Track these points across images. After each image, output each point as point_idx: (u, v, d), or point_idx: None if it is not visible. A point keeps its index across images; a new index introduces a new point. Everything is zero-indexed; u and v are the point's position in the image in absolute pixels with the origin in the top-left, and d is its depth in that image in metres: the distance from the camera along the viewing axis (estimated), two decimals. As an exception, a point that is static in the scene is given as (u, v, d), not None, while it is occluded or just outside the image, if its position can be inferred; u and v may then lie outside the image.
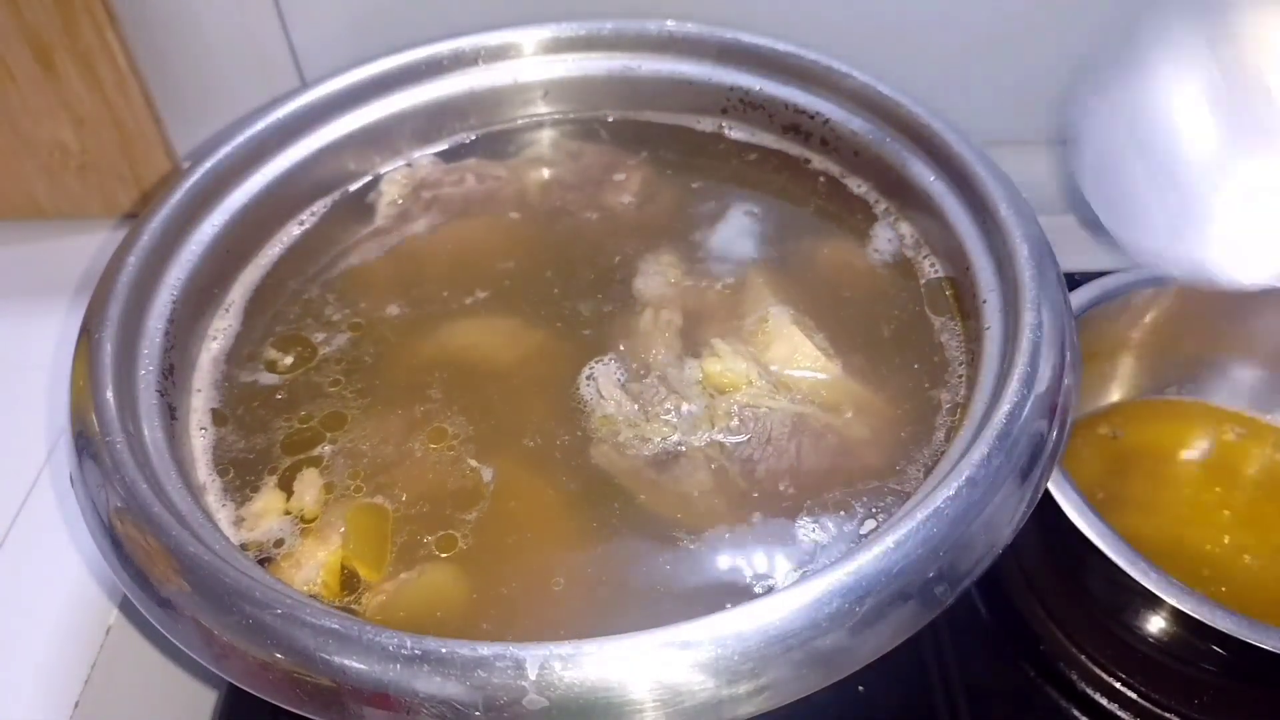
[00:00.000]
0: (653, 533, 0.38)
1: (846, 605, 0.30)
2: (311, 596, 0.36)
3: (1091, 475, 0.54)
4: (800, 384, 0.43)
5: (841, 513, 0.38)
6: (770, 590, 0.31)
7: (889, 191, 0.50)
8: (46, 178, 0.62)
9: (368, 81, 0.52)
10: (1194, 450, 0.56)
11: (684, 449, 0.40)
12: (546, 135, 0.56)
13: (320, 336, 0.46)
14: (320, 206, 0.52)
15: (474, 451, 0.41)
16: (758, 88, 0.53)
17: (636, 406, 0.41)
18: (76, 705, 0.43)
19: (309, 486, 0.40)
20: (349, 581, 0.37)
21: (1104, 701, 0.48)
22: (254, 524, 0.39)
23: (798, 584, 0.31)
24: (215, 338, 0.46)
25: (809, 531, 0.38)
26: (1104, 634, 0.48)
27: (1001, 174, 0.44)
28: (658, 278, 0.47)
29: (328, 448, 0.41)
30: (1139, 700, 0.48)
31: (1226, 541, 0.52)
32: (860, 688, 0.49)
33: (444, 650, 0.29)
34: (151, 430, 0.39)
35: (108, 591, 0.46)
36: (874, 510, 0.38)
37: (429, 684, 0.29)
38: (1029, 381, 0.36)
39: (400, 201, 0.52)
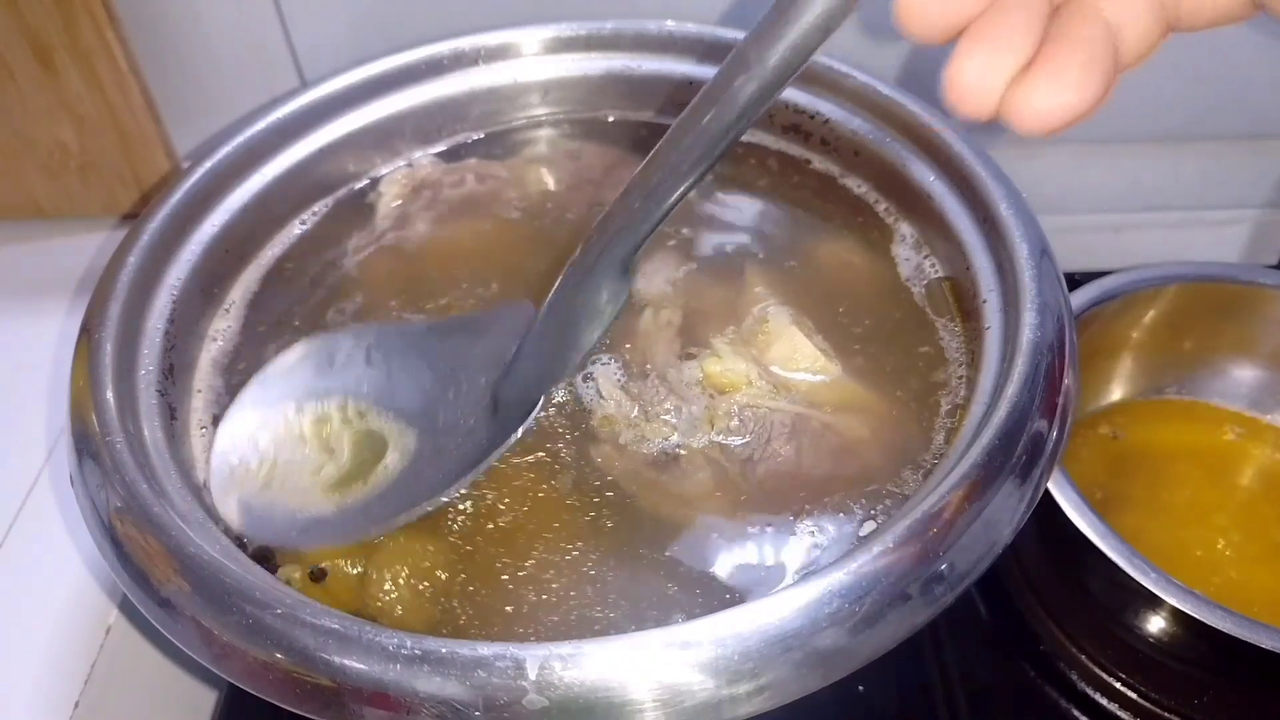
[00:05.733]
0: (652, 533, 0.38)
1: (846, 605, 0.30)
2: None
3: (1091, 475, 0.54)
4: (800, 384, 0.43)
5: (841, 513, 0.38)
6: (770, 590, 0.31)
7: (889, 191, 0.50)
8: (46, 178, 0.62)
9: (368, 81, 0.52)
10: (1193, 450, 0.56)
11: (684, 449, 0.40)
12: (546, 135, 0.56)
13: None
14: (320, 207, 0.52)
15: (474, 451, 0.41)
16: (758, 88, 0.53)
17: (636, 407, 0.41)
18: (76, 705, 0.43)
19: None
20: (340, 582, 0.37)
21: (1104, 701, 0.48)
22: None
23: (798, 584, 0.31)
24: (216, 338, 0.46)
25: (809, 532, 0.38)
26: (1104, 634, 0.48)
27: (1001, 174, 0.44)
28: (657, 277, 0.47)
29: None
30: (1139, 700, 0.48)
31: (1226, 541, 0.52)
32: (860, 688, 0.49)
33: (444, 650, 0.29)
34: (151, 430, 0.39)
35: (108, 591, 0.46)
36: (874, 510, 0.38)
37: (429, 684, 0.29)
38: (1029, 381, 0.36)
39: (400, 202, 0.52)
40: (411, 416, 0.41)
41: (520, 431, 0.40)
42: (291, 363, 0.42)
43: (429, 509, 0.38)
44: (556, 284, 0.37)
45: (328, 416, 0.40)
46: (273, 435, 0.40)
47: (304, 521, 0.38)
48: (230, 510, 0.38)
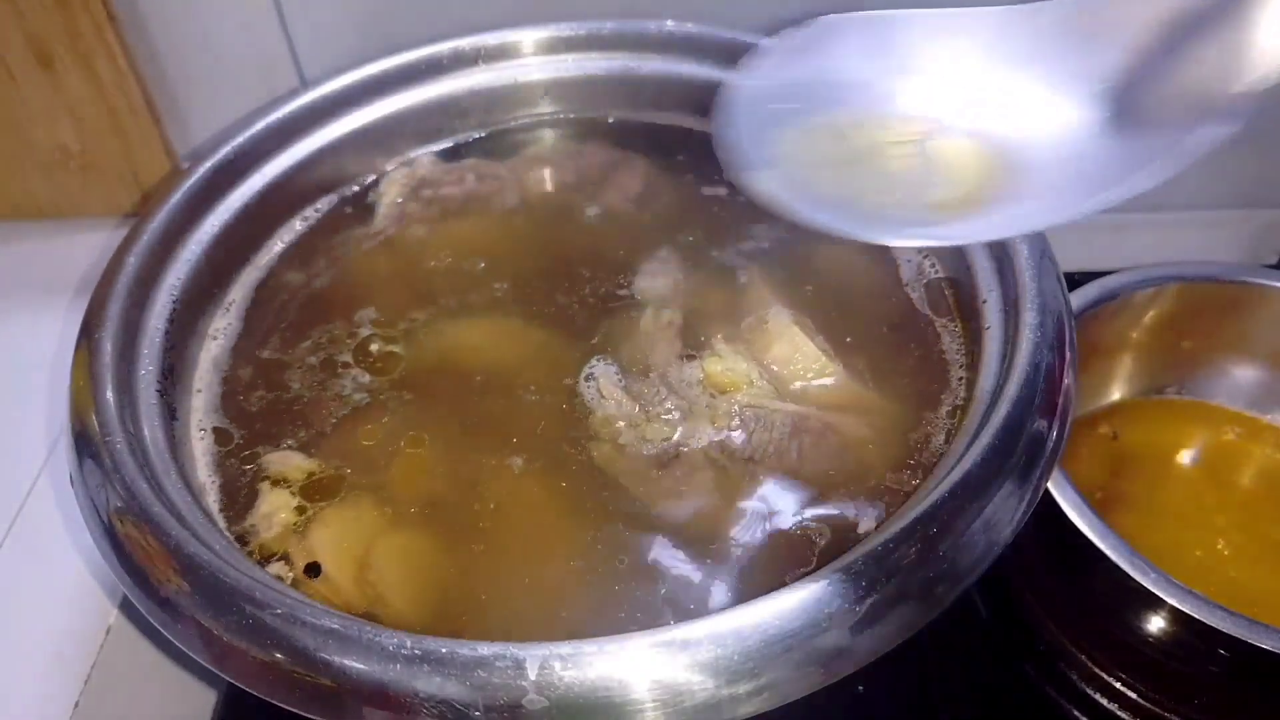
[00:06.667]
0: (652, 533, 0.38)
1: (846, 605, 0.30)
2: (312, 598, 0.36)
3: (1091, 475, 0.54)
4: (801, 385, 0.43)
5: (842, 512, 0.38)
6: (770, 590, 0.31)
7: (889, 191, 0.50)
8: (46, 178, 0.62)
9: (368, 81, 0.52)
10: (1193, 450, 0.56)
11: (684, 449, 0.40)
12: (547, 135, 0.56)
13: (319, 336, 0.46)
14: (320, 206, 0.52)
15: (473, 452, 0.41)
16: (758, 88, 0.53)
17: (637, 406, 0.41)
18: (76, 705, 0.43)
19: (307, 487, 0.40)
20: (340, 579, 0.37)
21: (1104, 701, 0.48)
22: (254, 524, 0.39)
23: (798, 584, 0.31)
24: (216, 338, 0.46)
25: (809, 531, 0.38)
26: (1104, 634, 0.48)
27: (1002, 174, 0.44)
28: (658, 278, 0.47)
29: (328, 448, 0.41)
30: (1139, 700, 0.48)
31: (1225, 541, 0.52)
32: (860, 688, 0.49)
33: (444, 650, 0.29)
34: (151, 430, 0.39)
35: (108, 591, 0.46)
36: (874, 510, 0.38)
37: (429, 684, 0.29)
38: (1029, 382, 0.36)
39: (400, 201, 0.52)
40: (999, 123, 0.35)
41: (1209, 140, 0.30)
42: (840, 53, 0.37)
43: (1044, 226, 0.34)
44: None
45: (904, 117, 0.36)
46: (839, 120, 0.35)
47: (889, 216, 0.34)
48: (772, 187, 0.34)
